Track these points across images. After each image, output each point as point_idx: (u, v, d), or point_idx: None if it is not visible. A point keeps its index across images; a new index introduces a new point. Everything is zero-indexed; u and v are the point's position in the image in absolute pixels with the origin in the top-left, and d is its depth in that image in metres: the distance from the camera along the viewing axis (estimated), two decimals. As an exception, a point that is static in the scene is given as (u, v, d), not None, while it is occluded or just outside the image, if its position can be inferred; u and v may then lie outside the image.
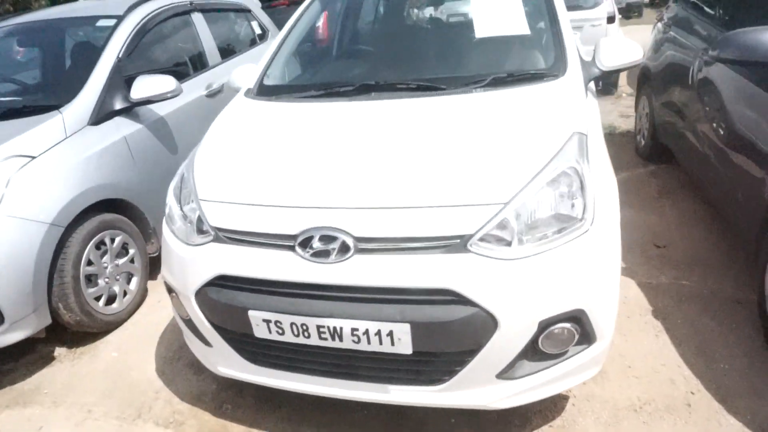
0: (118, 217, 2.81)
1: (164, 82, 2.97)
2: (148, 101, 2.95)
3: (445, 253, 1.57)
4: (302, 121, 2.16)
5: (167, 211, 2.10)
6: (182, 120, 3.34)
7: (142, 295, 3.00)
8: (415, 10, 2.90)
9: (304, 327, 1.66)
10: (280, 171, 1.89)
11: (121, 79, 2.98)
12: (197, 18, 3.82)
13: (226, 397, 2.24)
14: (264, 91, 2.53)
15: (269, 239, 1.72)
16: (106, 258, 2.73)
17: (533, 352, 1.66)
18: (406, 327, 1.56)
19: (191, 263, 1.85)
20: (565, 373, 1.71)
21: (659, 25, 4.30)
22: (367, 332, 1.60)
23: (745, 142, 2.45)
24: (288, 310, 1.67)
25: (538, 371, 1.68)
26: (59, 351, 2.68)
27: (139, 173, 2.96)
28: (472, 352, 1.60)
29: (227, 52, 4.09)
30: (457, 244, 1.57)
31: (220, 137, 2.23)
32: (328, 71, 2.60)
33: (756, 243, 2.26)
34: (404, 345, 1.60)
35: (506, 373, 1.66)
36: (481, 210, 1.59)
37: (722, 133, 2.70)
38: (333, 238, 1.63)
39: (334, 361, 1.74)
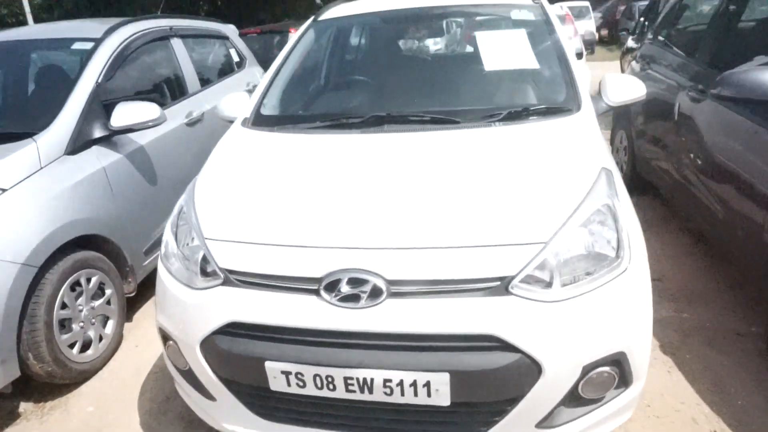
0: (94, 255, 2.58)
1: (147, 110, 2.80)
2: (130, 129, 2.77)
3: (486, 296, 1.48)
4: (313, 154, 2.05)
5: (163, 249, 1.93)
6: (162, 149, 3.16)
7: (118, 339, 2.75)
8: (416, 41, 2.87)
9: (330, 379, 1.52)
10: (297, 208, 1.76)
11: (100, 105, 2.79)
12: (176, 43, 3.67)
13: (224, 454, 2.04)
14: (262, 121, 2.40)
15: (290, 282, 1.58)
16: (81, 300, 2.49)
17: (572, 398, 1.57)
18: (445, 377, 1.45)
19: (196, 309, 1.68)
20: (604, 419, 1.63)
21: (634, 63, 4.45)
22: (401, 383, 1.47)
23: (743, 180, 2.50)
24: (311, 361, 1.52)
25: (577, 418, 1.59)
26: (25, 406, 2.39)
27: (118, 207, 2.75)
28: (514, 401, 1.50)
29: (206, 79, 3.95)
30: (498, 286, 1.48)
31: (223, 169, 2.09)
32: (331, 101, 2.50)
33: (762, 280, 2.30)
34: (442, 396, 1.48)
35: (545, 421, 1.56)
36: (522, 250, 1.51)
37: (717, 169, 2.76)
38: (363, 281, 1.51)
39: (361, 414, 1.60)
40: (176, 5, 14.28)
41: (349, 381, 1.51)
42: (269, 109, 2.52)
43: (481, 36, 2.49)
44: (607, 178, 1.76)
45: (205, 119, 3.64)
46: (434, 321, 1.47)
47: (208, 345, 1.65)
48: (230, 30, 4.70)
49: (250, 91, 4.41)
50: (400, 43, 2.89)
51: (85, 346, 2.52)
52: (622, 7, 18.50)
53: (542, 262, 1.51)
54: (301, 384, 1.55)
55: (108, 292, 2.66)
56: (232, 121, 2.70)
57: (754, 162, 2.46)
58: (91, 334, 2.55)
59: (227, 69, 4.41)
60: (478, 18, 2.79)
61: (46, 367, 2.28)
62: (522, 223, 1.58)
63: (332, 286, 1.53)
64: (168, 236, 1.93)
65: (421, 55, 2.85)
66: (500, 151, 1.92)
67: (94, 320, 2.57)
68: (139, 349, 2.74)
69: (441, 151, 1.96)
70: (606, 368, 1.55)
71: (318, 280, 1.54)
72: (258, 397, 1.67)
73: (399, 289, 1.50)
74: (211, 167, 2.13)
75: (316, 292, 1.54)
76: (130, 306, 2.96)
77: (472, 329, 1.45)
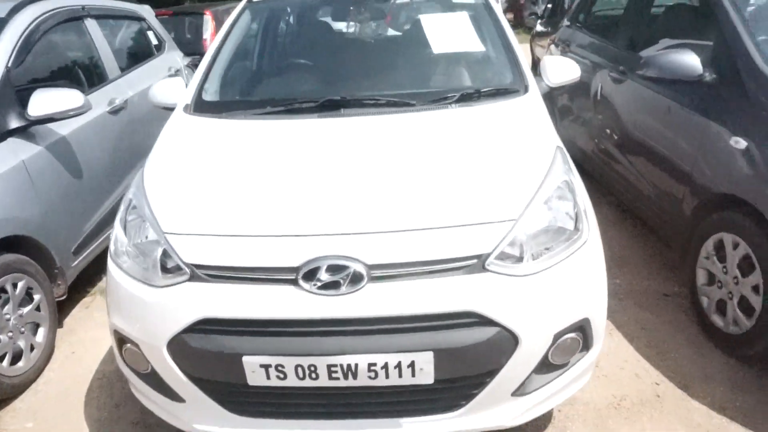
0: (19, 258, 2.34)
1: (69, 97, 2.56)
2: (50, 119, 2.52)
3: (464, 274, 1.52)
4: (270, 141, 1.98)
5: (113, 246, 1.80)
6: (85, 140, 2.91)
7: (51, 347, 2.53)
8: (358, 24, 2.83)
9: (312, 368, 1.50)
10: (264, 197, 1.70)
11: (12, 92, 2.51)
12: (91, 24, 3.37)
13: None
14: (206, 107, 2.28)
15: (265, 273, 1.53)
16: (8, 308, 2.26)
17: (543, 364, 1.66)
18: (429, 355, 1.48)
19: (160, 308, 1.59)
20: (569, 382, 1.74)
21: (553, 47, 4.69)
22: (386, 366, 1.48)
23: (663, 156, 2.74)
24: (293, 352, 1.49)
25: (547, 383, 1.68)
26: (-51, 429, 2.16)
27: (42, 204, 2.51)
28: (492, 373, 1.56)
29: (125, 64, 3.66)
30: (475, 263, 1.52)
31: (172, 159, 1.97)
32: (277, 86, 2.42)
33: (682, 247, 2.55)
34: (426, 375, 1.50)
35: (520, 389, 1.64)
36: (495, 228, 1.56)
37: (639, 145, 2.99)
38: (343, 268, 1.49)
39: (343, 401, 1.59)
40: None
41: (333, 368, 1.50)
42: (211, 94, 2.40)
43: (425, 19, 2.51)
44: (562, 157, 1.86)
45: (128, 107, 3.40)
46: (416, 302, 1.49)
47: (176, 345, 1.57)
48: (147, 11, 4.38)
49: (173, 76, 4.18)
50: (342, 25, 2.85)
51: (15, 358, 2.30)
52: (525, -10, 19.31)
53: (513, 239, 1.57)
54: (281, 376, 1.52)
55: (36, 297, 2.44)
56: (167, 108, 2.55)
57: (671, 136, 2.70)
58: (21, 344, 2.33)
59: (147, 53, 4.12)
60: (421, 1, 2.81)
61: (-27, 383, 2.06)
62: (492, 201, 1.63)
63: (311, 275, 1.50)
64: (118, 232, 1.80)
65: (364, 38, 2.82)
66: (459, 132, 1.96)
67: (23, 329, 2.35)
68: (77, 355, 2.54)
69: (401, 133, 1.97)
70: (572, 334, 1.65)
71: (295, 270, 1.51)
72: (233, 394, 1.61)
73: (379, 273, 1.50)
74: (158, 157, 2.00)
75: (294, 282, 1.51)
76: (60, 310, 2.73)
77: (452, 307, 1.49)
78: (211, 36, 6.89)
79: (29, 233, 2.40)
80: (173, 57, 4.46)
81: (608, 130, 3.41)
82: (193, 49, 6.18)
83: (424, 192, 1.66)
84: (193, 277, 1.57)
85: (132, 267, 1.71)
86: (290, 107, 2.15)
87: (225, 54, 2.57)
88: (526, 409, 1.68)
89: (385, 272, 1.51)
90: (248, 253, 1.56)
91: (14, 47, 2.62)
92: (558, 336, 1.61)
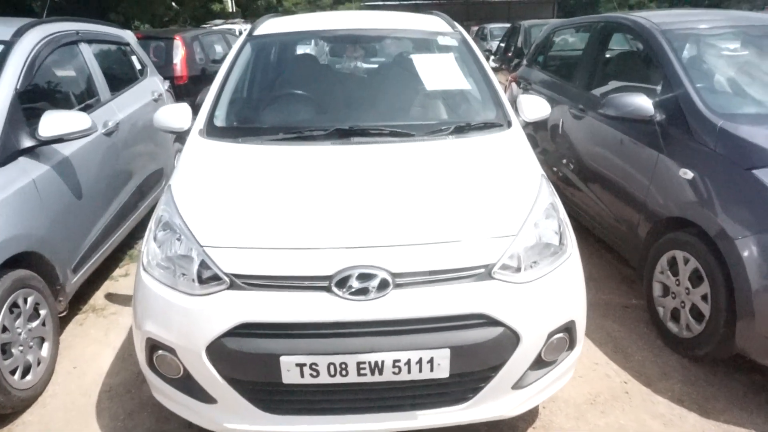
0: (30, 273, 2.41)
1: (77, 119, 2.68)
2: (59, 140, 2.62)
3: (474, 281, 1.76)
4: (289, 164, 2.18)
5: (146, 259, 1.94)
6: (84, 160, 3.00)
7: (54, 362, 2.57)
8: (356, 62, 3.09)
9: (343, 365, 1.69)
10: (293, 214, 1.90)
11: (21, 113, 2.60)
12: (85, 49, 3.47)
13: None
14: (219, 132, 2.46)
15: (301, 282, 1.72)
16: (19, 322, 2.32)
17: (537, 361, 1.92)
18: (446, 352, 1.70)
19: (199, 314, 1.75)
20: (557, 377, 2.00)
21: (514, 85, 5.12)
22: (408, 362, 1.70)
23: (620, 185, 3.12)
24: (326, 351, 1.68)
25: (540, 378, 1.94)
26: (-43, 444, 2.17)
27: (49, 221, 2.58)
28: (497, 368, 1.80)
29: (114, 87, 3.76)
30: (483, 272, 1.78)
31: (199, 179, 2.14)
32: (286, 115, 2.62)
33: (638, 265, 2.92)
34: (442, 369, 1.73)
35: (518, 383, 1.88)
36: (500, 242, 1.83)
37: (599, 174, 3.38)
38: (371, 276, 1.71)
39: (367, 396, 1.79)
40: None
41: (362, 365, 1.69)
42: (221, 120, 2.58)
43: (417, 59, 2.81)
44: (546, 183, 2.16)
45: (119, 129, 3.50)
46: (434, 305, 1.72)
47: (214, 348, 1.72)
48: (129, 36, 4.50)
49: (156, 100, 4.30)
50: (340, 61, 3.09)
51: (24, 372, 2.34)
52: (475, 28, 20.38)
53: (513, 252, 1.84)
54: (314, 374, 1.70)
55: (42, 312, 2.49)
56: (172, 132, 2.73)
57: (626, 167, 3.09)
58: (30, 358, 2.37)
59: (132, 77, 4.22)
60: (410, 42, 3.11)
61: (-10, 397, 2.10)
62: (494, 220, 1.90)
63: (342, 282, 1.71)
64: (151, 246, 1.94)
65: (360, 73, 3.08)
66: (456, 160, 2.24)
67: (31, 343, 2.40)
68: (79, 370, 2.59)
69: (406, 159, 2.22)
70: (561, 334, 1.92)
71: (328, 278, 1.71)
72: (267, 392, 1.78)
73: (402, 280, 1.73)
74: (184, 177, 2.16)
75: (327, 289, 1.71)
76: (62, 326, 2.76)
77: (465, 309, 1.73)
78: (182, 61, 6.98)
79: (37, 250, 2.47)
80: (155, 81, 4.58)
81: (568, 160, 3.80)
82: (162, 72, 6.25)
83: (435, 210, 1.91)
84: (233, 286, 1.74)
85: (166, 277, 1.85)
86: (301, 135, 2.36)
87: (231, 84, 2.76)
88: (523, 401, 1.92)
89: (407, 280, 1.73)
90: (284, 264, 1.75)
91: (21, 70, 2.71)
92: (551, 335, 1.87)
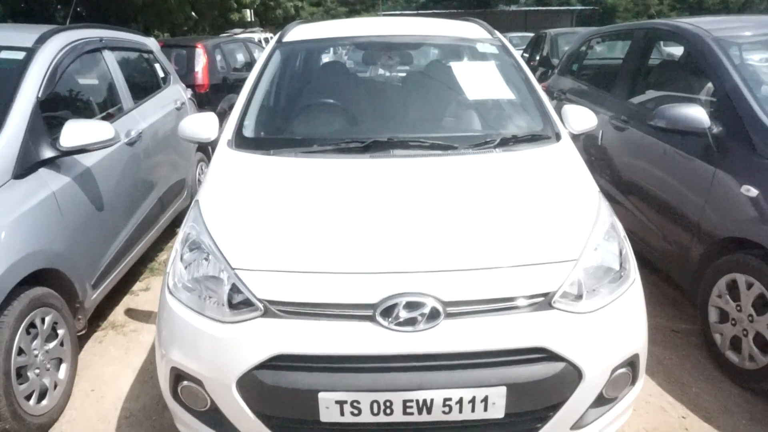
0: (48, 291, 2.28)
1: (100, 129, 2.56)
2: (82, 150, 2.50)
3: (533, 311, 1.59)
4: (325, 178, 2.03)
5: (171, 281, 1.80)
6: (105, 172, 2.89)
7: (71, 385, 2.44)
8: (391, 70, 2.95)
9: (388, 404, 1.53)
10: (331, 234, 1.74)
11: (43, 123, 2.49)
12: (108, 56, 3.38)
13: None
14: (250, 144, 2.32)
15: (342, 310, 1.57)
16: (36, 343, 2.19)
17: (598, 399, 1.73)
18: (502, 390, 1.53)
19: (230, 344, 1.60)
20: (618, 415, 1.81)
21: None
22: (460, 401, 1.53)
23: (670, 201, 2.92)
24: (369, 387, 1.52)
25: (601, 416, 1.75)
26: (-31, 473, 2.04)
27: (69, 236, 2.46)
28: (556, 407, 1.62)
29: (137, 95, 3.66)
30: (542, 301, 1.61)
31: (229, 194, 2.00)
32: (322, 125, 2.47)
33: (691, 287, 2.72)
34: (498, 409, 1.56)
35: (578, 422, 1.70)
36: (560, 267, 1.66)
37: (643, 189, 3.18)
38: (419, 305, 1.55)
39: (412, 436, 1.62)
40: (27, 9, 12.67)
41: (408, 404, 1.53)
42: (251, 131, 2.44)
43: (456, 66, 2.65)
44: (604, 201, 1.99)
45: (142, 139, 3.39)
46: (489, 337, 1.55)
47: (246, 381, 1.57)
48: (153, 43, 4.41)
49: (178, 109, 4.20)
50: (373, 68, 2.95)
51: (40, 396, 2.21)
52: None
53: (574, 278, 1.67)
54: (356, 412, 1.54)
55: (61, 332, 2.36)
56: (198, 142, 2.60)
57: (675, 183, 2.89)
58: (46, 381, 2.24)
59: (155, 85, 4.13)
60: (447, 49, 2.96)
61: (4, 424, 1.97)
62: (554, 243, 1.72)
63: (388, 312, 1.54)
64: (178, 267, 1.80)
65: (396, 82, 2.94)
66: (504, 175, 2.07)
67: (48, 365, 2.27)
68: (97, 393, 2.46)
69: (450, 174, 2.06)
70: (624, 369, 1.74)
71: (373, 306, 1.55)
72: (302, 431, 1.62)
73: (454, 309, 1.56)
74: (213, 191, 2.02)
75: (371, 318, 1.55)
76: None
77: (524, 343, 1.56)
78: (203, 69, 6.92)
79: (56, 266, 2.35)
80: (177, 90, 4.49)
81: (608, 174, 3.61)
82: (183, 81, 6.19)
83: (487, 232, 1.74)
84: (267, 313, 1.59)
85: (193, 301, 1.71)
86: (339, 147, 2.21)
87: (260, 92, 2.63)
88: (582, 442, 1.74)
89: (460, 309, 1.57)
90: (324, 290, 1.59)
91: (43, 78, 2.60)
92: (614, 370, 1.69)
